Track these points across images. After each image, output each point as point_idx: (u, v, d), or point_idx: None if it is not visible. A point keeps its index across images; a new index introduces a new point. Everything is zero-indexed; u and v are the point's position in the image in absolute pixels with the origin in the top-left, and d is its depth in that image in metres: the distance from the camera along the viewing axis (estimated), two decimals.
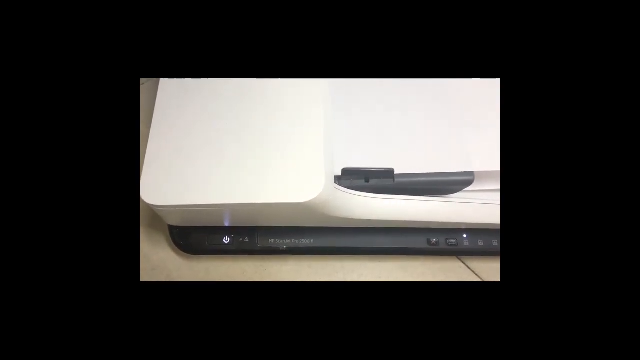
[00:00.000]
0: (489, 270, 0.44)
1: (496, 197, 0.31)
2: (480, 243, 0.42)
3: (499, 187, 0.29)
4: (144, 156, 0.36)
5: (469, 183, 0.38)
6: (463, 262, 0.45)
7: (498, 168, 0.29)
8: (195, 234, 0.42)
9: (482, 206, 0.40)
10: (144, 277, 0.44)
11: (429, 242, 0.43)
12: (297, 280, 0.44)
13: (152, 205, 0.34)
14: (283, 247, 0.42)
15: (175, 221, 0.41)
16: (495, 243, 0.41)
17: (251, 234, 0.42)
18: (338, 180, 0.38)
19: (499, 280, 0.29)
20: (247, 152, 0.35)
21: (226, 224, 0.41)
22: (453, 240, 0.42)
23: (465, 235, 0.43)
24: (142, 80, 0.53)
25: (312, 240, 0.42)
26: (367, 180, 0.39)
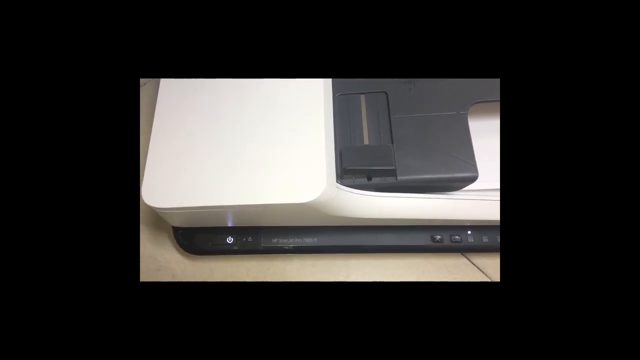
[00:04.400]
0: (493, 267, 0.44)
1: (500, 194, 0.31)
2: (485, 239, 0.42)
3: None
4: (145, 158, 0.36)
5: (472, 180, 0.38)
6: (468, 259, 0.45)
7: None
8: (199, 235, 0.42)
9: (486, 202, 0.40)
10: (149, 277, 0.45)
11: (433, 239, 0.42)
12: (301, 279, 0.44)
13: (154, 207, 0.34)
14: (287, 247, 0.42)
15: (178, 222, 0.41)
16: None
17: (255, 233, 0.42)
18: (340, 179, 0.38)
19: None
20: (248, 152, 0.35)
21: (229, 225, 0.41)
22: (457, 237, 0.42)
23: (469, 232, 0.42)
24: (143, 81, 0.54)
25: (316, 239, 0.42)
26: (369, 178, 0.38)
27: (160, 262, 0.45)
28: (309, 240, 0.42)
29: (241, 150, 0.35)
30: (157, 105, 0.38)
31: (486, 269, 0.44)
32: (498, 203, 0.38)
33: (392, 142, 0.39)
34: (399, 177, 0.38)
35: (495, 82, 0.36)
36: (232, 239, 0.42)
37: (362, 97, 0.42)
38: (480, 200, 0.40)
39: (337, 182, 0.36)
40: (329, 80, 0.40)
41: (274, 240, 0.42)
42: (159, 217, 0.46)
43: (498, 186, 0.39)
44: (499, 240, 0.41)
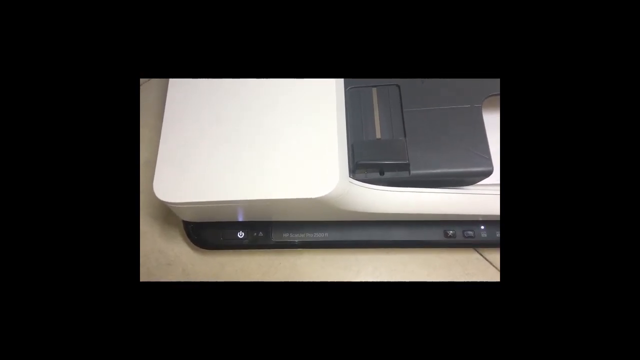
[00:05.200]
0: None
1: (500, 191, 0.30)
2: (499, 235, 0.42)
3: None
4: (157, 154, 0.36)
5: (487, 174, 0.37)
6: (480, 254, 0.44)
7: None
8: (210, 229, 0.42)
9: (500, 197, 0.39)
10: (160, 272, 0.45)
11: (445, 234, 0.42)
12: (311, 274, 0.44)
13: (166, 202, 0.34)
14: (297, 241, 0.42)
15: (189, 217, 0.41)
16: None
17: (265, 228, 0.42)
18: (352, 173, 0.38)
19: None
20: (260, 147, 0.34)
21: (240, 219, 0.41)
22: (470, 232, 0.42)
23: (482, 227, 0.42)
24: (148, 78, 0.53)
25: (327, 234, 0.42)
26: (382, 173, 0.38)
27: (171, 256, 0.45)
28: (320, 235, 0.42)
29: (253, 145, 0.35)
30: (167, 100, 0.38)
31: (499, 264, 0.44)
32: None
33: (405, 136, 0.39)
34: (412, 172, 0.37)
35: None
36: (242, 233, 0.42)
37: (374, 90, 0.42)
38: (494, 195, 0.39)
39: (349, 176, 0.36)
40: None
41: (285, 235, 0.42)
42: (169, 212, 0.46)
43: None
44: None
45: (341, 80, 0.39)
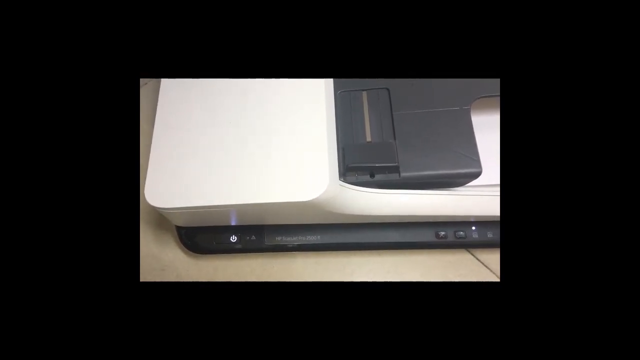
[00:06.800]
0: (498, 262, 0.44)
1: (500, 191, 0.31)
2: (490, 235, 0.42)
3: None
4: (148, 158, 0.36)
5: (476, 175, 0.38)
6: (472, 254, 0.45)
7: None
8: (202, 234, 0.42)
9: (490, 198, 0.39)
10: (154, 277, 0.45)
11: (437, 235, 0.42)
12: (305, 277, 0.44)
13: (157, 208, 0.34)
14: (290, 245, 0.42)
15: (181, 222, 0.41)
16: None
17: (258, 232, 0.42)
18: (343, 176, 0.38)
19: None
20: (250, 151, 0.35)
21: (233, 224, 0.41)
22: (462, 233, 0.42)
23: (474, 228, 0.42)
24: (144, 81, 0.53)
25: (319, 237, 0.42)
26: (372, 175, 0.38)
27: (165, 261, 0.45)
28: (313, 238, 0.42)
29: (243, 149, 0.35)
30: (158, 105, 0.38)
31: (491, 264, 0.44)
32: None
33: (395, 139, 0.39)
34: (402, 174, 0.38)
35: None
36: (235, 237, 0.42)
37: (364, 93, 0.42)
38: (484, 196, 0.39)
39: (339, 179, 0.36)
40: (330, 78, 0.39)
41: (278, 239, 0.42)
42: (162, 217, 0.46)
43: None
44: None
45: (330, 82, 0.39)
